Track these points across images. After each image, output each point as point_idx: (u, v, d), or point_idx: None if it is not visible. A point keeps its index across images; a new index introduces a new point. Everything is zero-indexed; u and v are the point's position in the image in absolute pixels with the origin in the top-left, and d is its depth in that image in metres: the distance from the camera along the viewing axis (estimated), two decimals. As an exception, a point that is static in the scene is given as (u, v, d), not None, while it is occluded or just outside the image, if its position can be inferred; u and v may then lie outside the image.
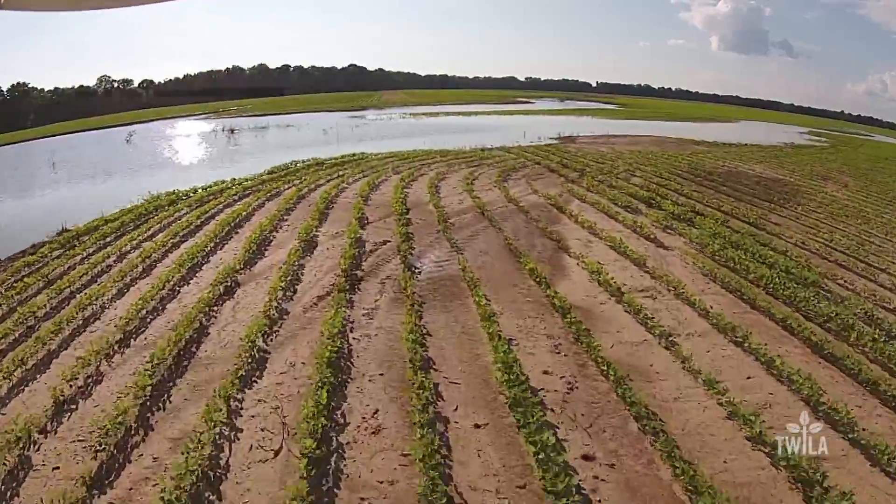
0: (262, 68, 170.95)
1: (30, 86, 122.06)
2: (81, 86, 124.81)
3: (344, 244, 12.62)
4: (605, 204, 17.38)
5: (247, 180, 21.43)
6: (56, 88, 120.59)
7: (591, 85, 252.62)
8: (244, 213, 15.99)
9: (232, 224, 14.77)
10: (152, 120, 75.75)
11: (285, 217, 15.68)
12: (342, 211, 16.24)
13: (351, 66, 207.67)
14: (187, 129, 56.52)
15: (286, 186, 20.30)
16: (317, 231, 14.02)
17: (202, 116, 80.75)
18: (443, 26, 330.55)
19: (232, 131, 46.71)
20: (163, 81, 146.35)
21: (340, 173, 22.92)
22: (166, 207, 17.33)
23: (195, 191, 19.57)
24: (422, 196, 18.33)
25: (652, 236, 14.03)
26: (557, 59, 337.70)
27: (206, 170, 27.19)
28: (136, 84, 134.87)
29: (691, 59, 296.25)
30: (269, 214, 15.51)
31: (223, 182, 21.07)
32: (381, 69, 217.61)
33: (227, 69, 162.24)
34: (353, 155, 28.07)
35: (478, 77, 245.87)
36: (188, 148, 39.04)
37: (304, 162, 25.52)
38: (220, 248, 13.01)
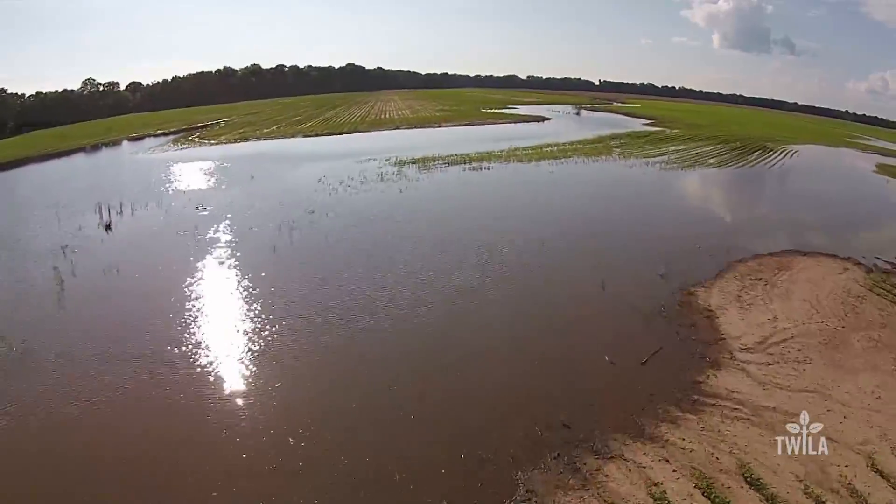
0: (255, 69, 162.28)
1: (8, 91, 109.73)
2: (65, 89, 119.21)
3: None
4: None
5: None
6: (38, 93, 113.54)
7: (594, 83, 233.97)
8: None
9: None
10: (109, 144, 65.59)
11: None
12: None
13: (349, 65, 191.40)
14: (117, 173, 44.12)
15: None
16: None
17: (172, 134, 70.90)
18: (444, 24, 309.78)
19: (108, 228, 27.87)
20: (150, 84, 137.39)
21: None
22: None
23: None
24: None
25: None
26: (559, 57, 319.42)
27: None
28: (122, 87, 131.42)
29: (693, 56, 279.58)
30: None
31: None
32: (380, 68, 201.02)
33: (218, 70, 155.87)
34: None
35: (479, 75, 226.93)
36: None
37: None
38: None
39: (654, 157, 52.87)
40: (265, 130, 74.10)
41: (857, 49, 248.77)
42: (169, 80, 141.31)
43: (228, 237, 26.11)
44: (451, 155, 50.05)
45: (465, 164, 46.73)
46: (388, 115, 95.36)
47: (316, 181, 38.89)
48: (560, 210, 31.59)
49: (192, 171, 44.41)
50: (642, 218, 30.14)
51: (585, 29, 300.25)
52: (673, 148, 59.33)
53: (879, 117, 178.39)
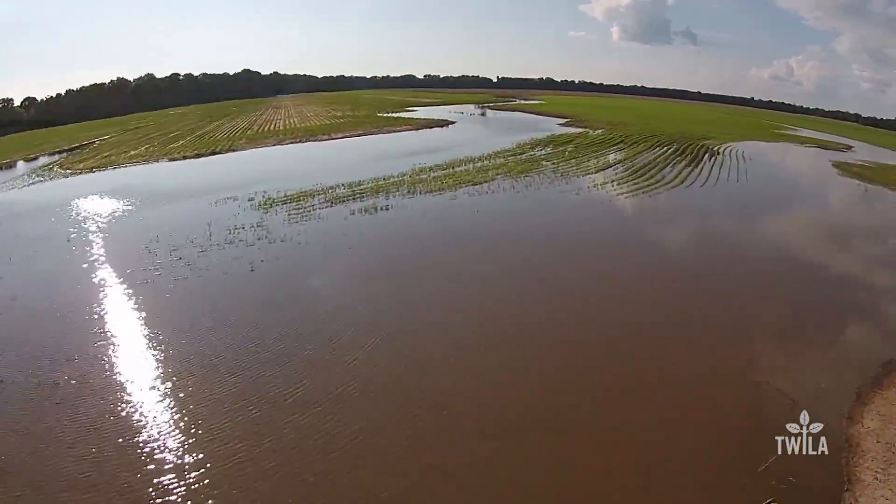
0: (149, 78, 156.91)
1: None
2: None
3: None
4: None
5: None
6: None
7: (492, 80, 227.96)
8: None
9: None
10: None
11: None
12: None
13: (244, 71, 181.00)
14: None
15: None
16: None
17: (34, 159, 62.44)
18: (340, 26, 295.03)
19: None
20: (44, 99, 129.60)
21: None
22: None
23: None
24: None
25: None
26: (455, 55, 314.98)
27: None
28: (17, 103, 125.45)
29: (593, 50, 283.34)
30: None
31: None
32: (276, 73, 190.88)
33: (112, 81, 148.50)
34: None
35: (376, 76, 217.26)
36: None
37: None
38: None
39: (597, 172, 42.25)
40: (132, 153, 58.89)
41: (762, 37, 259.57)
42: (63, 93, 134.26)
43: None
44: (336, 185, 36.51)
45: (353, 199, 33.41)
46: (273, 126, 79.68)
47: (143, 246, 24.64)
48: (503, 308, 18.78)
49: (13, 228, 30.36)
50: (651, 326, 17.77)
51: (482, 26, 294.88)
52: (612, 157, 49.32)
53: (786, 103, 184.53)
